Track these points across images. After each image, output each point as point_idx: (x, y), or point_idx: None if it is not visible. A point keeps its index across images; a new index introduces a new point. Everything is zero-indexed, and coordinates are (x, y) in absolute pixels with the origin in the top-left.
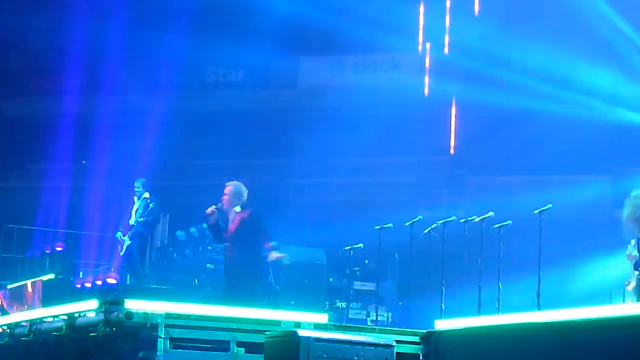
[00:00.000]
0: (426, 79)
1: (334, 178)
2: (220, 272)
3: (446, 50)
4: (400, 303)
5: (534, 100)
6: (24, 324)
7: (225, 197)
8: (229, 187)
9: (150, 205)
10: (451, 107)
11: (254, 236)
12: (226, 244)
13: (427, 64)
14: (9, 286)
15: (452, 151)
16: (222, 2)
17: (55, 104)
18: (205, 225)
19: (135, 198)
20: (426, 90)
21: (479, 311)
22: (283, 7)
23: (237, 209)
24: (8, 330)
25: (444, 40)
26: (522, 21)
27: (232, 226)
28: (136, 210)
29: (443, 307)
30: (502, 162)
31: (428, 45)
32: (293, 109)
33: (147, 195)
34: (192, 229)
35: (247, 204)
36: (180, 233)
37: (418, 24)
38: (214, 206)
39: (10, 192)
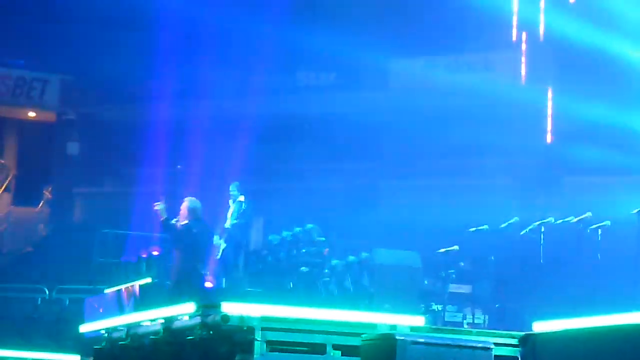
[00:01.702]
0: (522, 69)
1: (427, 180)
2: (315, 276)
3: (541, 39)
4: (496, 305)
5: (635, 93)
6: (121, 328)
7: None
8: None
9: (241, 210)
10: (547, 102)
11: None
12: None
13: (522, 54)
14: (106, 291)
15: (548, 150)
16: (314, 3)
17: (150, 110)
18: (298, 229)
19: (231, 202)
20: (523, 80)
21: (577, 313)
22: (374, 8)
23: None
24: (106, 335)
25: (538, 29)
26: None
27: None
28: (231, 214)
29: (540, 309)
30: (600, 160)
31: (524, 34)
32: (384, 111)
33: (242, 198)
34: (285, 233)
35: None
36: (273, 237)
37: (512, 11)
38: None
39: (106, 197)
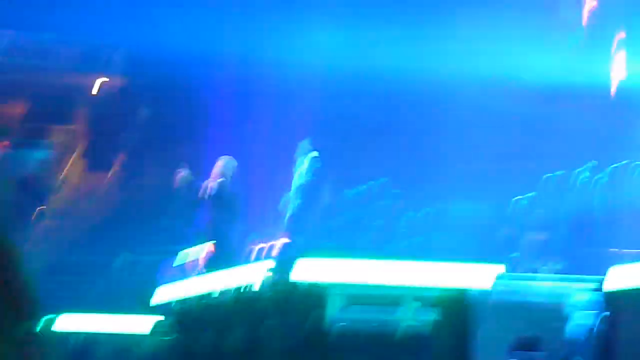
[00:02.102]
0: None
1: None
2: (391, 230)
3: None
4: (575, 251)
5: None
6: (199, 288)
7: None
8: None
9: (312, 167)
10: None
11: None
12: None
13: None
14: (183, 252)
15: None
16: None
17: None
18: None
19: (302, 159)
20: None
21: None
22: None
23: None
24: (185, 296)
25: None
26: None
27: None
28: (302, 171)
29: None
30: None
31: None
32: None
33: (314, 154)
34: (359, 187)
35: None
36: (347, 192)
37: None
38: None
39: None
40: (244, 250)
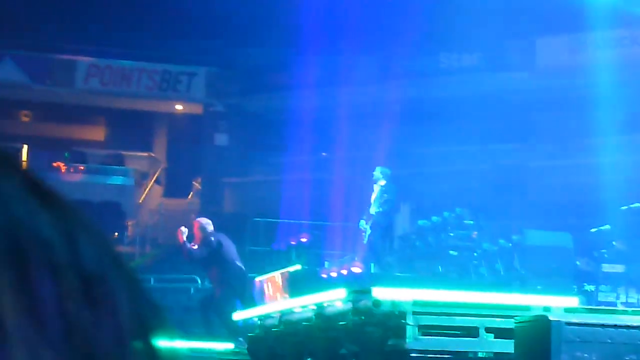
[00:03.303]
0: None
1: (575, 159)
2: (464, 259)
3: None
4: None
5: None
6: (274, 315)
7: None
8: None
9: (385, 195)
10: None
11: None
12: None
13: None
14: (257, 278)
15: None
16: None
17: (294, 98)
18: (447, 214)
19: (375, 187)
20: None
21: None
22: None
23: None
24: (259, 322)
25: None
26: None
27: None
28: (375, 199)
29: None
30: None
31: None
32: (531, 91)
33: (383, 182)
34: (435, 218)
35: None
36: (423, 222)
37: None
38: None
39: (254, 186)
40: (321, 278)
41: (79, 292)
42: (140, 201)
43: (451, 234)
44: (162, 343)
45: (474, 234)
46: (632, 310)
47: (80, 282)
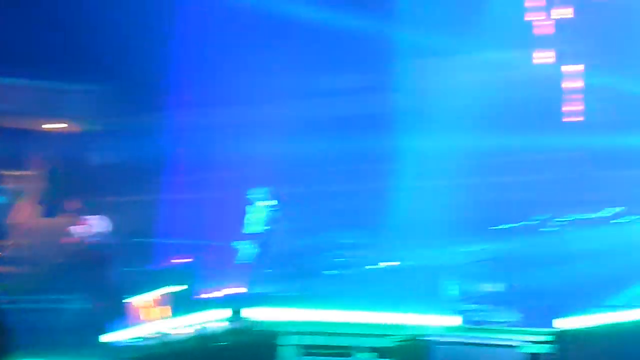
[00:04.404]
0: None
1: (447, 180)
2: (344, 278)
3: None
4: (529, 304)
5: None
6: (150, 336)
7: None
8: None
9: (264, 215)
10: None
11: None
12: None
13: None
14: (136, 299)
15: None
16: None
17: (174, 118)
18: (326, 233)
19: (258, 206)
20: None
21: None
22: None
23: None
24: (135, 344)
25: None
26: None
27: None
28: (258, 219)
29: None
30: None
31: None
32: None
33: (270, 203)
34: (313, 237)
35: None
36: (301, 241)
37: None
38: None
39: (132, 206)
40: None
41: None
42: (16, 220)
43: (331, 254)
44: None
45: (354, 253)
46: (510, 330)
47: None
